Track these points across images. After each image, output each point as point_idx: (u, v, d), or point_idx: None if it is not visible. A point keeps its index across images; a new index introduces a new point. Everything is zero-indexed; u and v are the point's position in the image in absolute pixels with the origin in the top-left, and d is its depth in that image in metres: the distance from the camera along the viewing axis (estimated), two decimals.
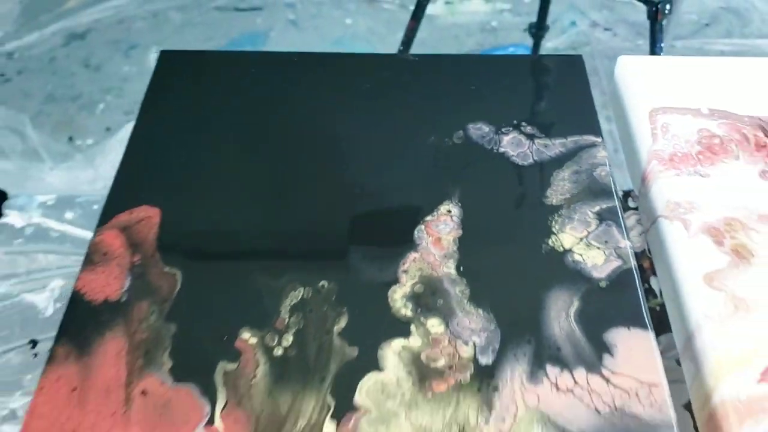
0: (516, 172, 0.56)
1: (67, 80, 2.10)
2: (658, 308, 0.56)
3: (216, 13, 2.36)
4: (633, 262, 0.50)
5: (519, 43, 2.05)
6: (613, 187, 0.54)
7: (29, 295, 0.70)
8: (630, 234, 0.56)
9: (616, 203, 0.53)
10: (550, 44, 2.10)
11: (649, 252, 0.56)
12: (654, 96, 0.61)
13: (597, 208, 0.53)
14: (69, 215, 0.77)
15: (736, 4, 2.32)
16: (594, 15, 2.29)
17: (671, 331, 0.50)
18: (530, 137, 0.58)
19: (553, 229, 0.52)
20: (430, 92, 0.62)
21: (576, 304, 0.47)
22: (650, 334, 0.46)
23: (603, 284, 0.49)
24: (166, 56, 0.64)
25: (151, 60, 2.21)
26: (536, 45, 1.63)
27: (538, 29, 1.57)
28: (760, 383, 0.44)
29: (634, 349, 0.45)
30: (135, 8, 2.36)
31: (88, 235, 0.73)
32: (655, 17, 1.16)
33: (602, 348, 0.45)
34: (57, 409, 0.42)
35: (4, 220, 0.74)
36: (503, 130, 0.59)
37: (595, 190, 0.54)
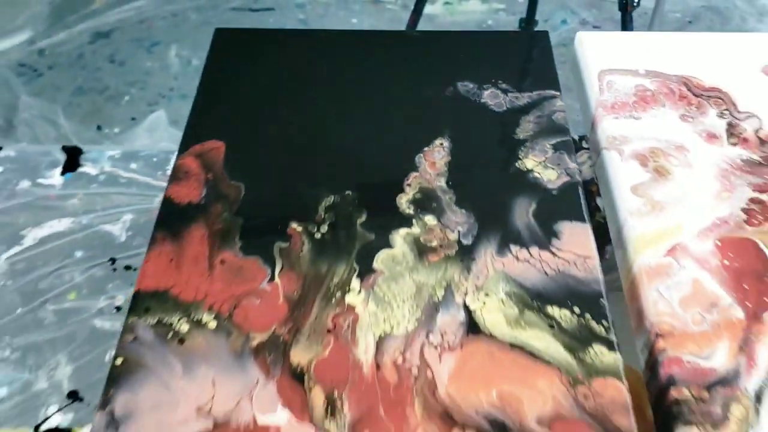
0: (493, 117, 0.74)
1: (94, 74, 2.28)
2: (602, 220, 0.74)
3: (231, 14, 2.53)
4: (578, 179, 0.67)
5: None
6: (565, 126, 0.72)
7: (106, 226, 0.88)
8: (582, 167, 0.74)
9: (569, 138, 0.71)
10: None
11: (596, 178, 0.73)
12: (602, 61, 0.79)
13: (554, 142, 0.71)
14: (133, 165, 0.95)
15: (717, 3, 2.49)
16: (584, 13, 2.46)
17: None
18: (505, 92, 0.76)
19: (520, 156, 0.70)
20: (429, 59, 0.80)
21: (533, 205, 0.65)
22: (587, 225, 0.63)
23: (555, 192, 0.66)
24: (220, 33, 0.82)
25: (171, 56, 2.39)
26: None
27: (527, 24, 1.75)
28: (665, 257, 0.61)
29: (575, 235, 0.63)
30: (155, 9, 2.54)
31: (150, 180, 0.90)
32: (625, 8, 1.34)
33: (552, 234, 0.63)
34: (159, 273, 0.60)
35: (81, 169, 0.92)
36: (484, 86, 0.77)
37: (553, 129, 0.72)
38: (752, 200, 0.65)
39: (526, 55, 0.81)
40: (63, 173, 0.98)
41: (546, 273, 0.60)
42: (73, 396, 0.77)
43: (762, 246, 0.61)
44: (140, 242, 0.90)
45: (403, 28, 2.33)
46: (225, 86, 0.76)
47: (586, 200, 0.67)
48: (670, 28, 2.33)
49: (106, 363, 0.80)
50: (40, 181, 0.98)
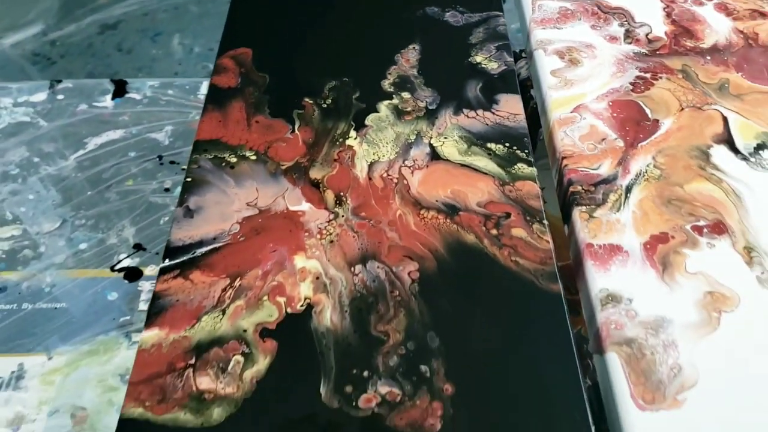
0: (452, 29, 0.99)
1: (104, 61, 2.51)
2: (535, 107, 0.99)
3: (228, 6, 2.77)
4: (513, 67, 0.93)
5: None
6: (505, 34, 0.97)
7: (152, 134, 1.12)
8: (522, 69, 1.00)
9: (507, 42, 0.97)
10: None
11: (530, 75, 0.99)
12: None
13: (497, 44, 0.97)
14: (170, 92, 1.20)
15: None
16: None
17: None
18: (462, 13, 1.02)
19: (472, 54, 0.95)
20: None
21: (480, 84, 0.91)
22: (517, 96, 0.89)
23: (496, 76, 0.92)
24: None
25: (174, 44, 2.62)
26: None
27: None
28: (571, 113, 0.87)
29: (509, 102, 0.88)
30: (158, 2, 2.77)
31: (184, 101, 1.15)
32: None
33: (493, 101, 0.88)
34: (211, 129, 0.85)
35: (128, 95, 1.17)
36: (446, 9, 1.02)
37: (497, 36, 0.98)
38: (638, 77, 0.91)
39: None
40: (113, 98, 1.23)
41: (487, 124, 0.85)
42: (138, 247, 1.01)
43: (641, 104, 0.87)
44: (181, 144, 1.15)
45: None
46: (245, 16, 1.01)
47: (523, 92, 0.92)
48: None
49: (161, 225, 1.04)
50: (95, 104, 1.23)
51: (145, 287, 0.96)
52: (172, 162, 1.11)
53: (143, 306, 0.94)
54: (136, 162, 1.13)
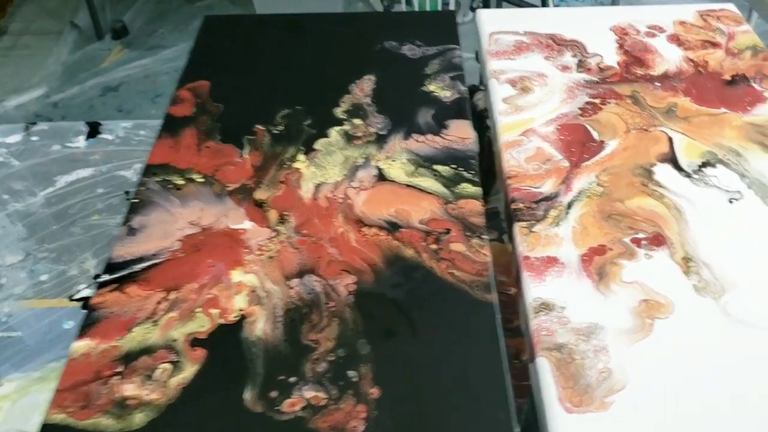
0: (409, 61, 1.01)
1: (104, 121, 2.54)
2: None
3: None
4: (466, 95, 0.95)
5: None
6: (460, 66, 1.00)
7: (121, 171, 1.14)
8: (479, 101, 1.02)
9: (461, 72, 0.99)
10: None
11: (486, 104, 1.01)
12: (493, 26, 1.08)
13: (451, 75, 0.99)
14: (142, 132, 1.22)
15: None
16: None
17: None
18: (419, 46, 1.04)
19: (426, 83, 0.97)
20: (370, 29, 1.09)
21: (433, 111, 0.92)
22: (468, 121, 0.90)
23: (448, 103, 0.94)
24: (208, 20, 1.11)
25: None
26: None
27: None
28: (519, 136, 0.88)
29: (459, 127, 0.90)
30: (159, 65, 2.84)
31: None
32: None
33: (443, 127, 0.90)
34: (162, 154, 0.86)
35: (101, 136, 1.20)
36: (404, 43, 1.05)
37: (452, 67, 1.00)
38: (587, 103, 0.92)
39: (437, 26, 1.09)
40: (87, 138, 1.26)
41: (436, 148, 0.86)
42: (98, 277, 1.02)
43: (588, 127, 0.88)
44: None
45: None
46: (208, 50, 1.04)
47: (481, 123, 0.94)
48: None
49: None
50: (68, 144, 1.25)
51: None
52: None
53: None
54: (103, 198, 1.14)
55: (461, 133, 0.88)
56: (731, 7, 1.10)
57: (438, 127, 0.89)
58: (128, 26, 2.91)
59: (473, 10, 1.85)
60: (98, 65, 2.85)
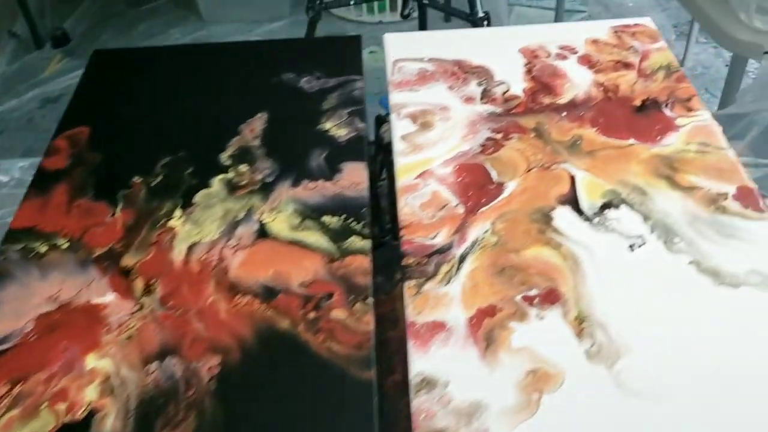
0: (305, 96, 0.95)
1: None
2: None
3: None
4: (363, 134, 0.88)
5: None
6: (361, 99, 0.93)
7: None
8: (386, 133, 0.96)
9: (362, 107, 0.93)
10: None
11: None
12: (399, 53, 1.02)
13: (349, 110, 0.92)
14: None
15: None
16: None
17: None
18: (318, 78, 0.98)
19: (321, 121, 0.91)
20: (266, 59, 1.02)
21: (326, 152, 0.86)
22: (363, 163, 0.84)
23: (343, 144, 0.87)
24: (98, 55, 1.04)
25: None
26: None
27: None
28: (416, 179, 0.82)
29: (353, 170, 0.83)
30: None
31: None
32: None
33: (336, 171, 0.83)
34: (28, 216, 0.79)
35: None
36: (302, 75, 0.98)
37: (351, 101, 0.94)
38: (488, 138, 0.86)
39: (341, 53, 1.03)
40: None
41: (326, 195, 0.80)
42: None
43: (488, 167, 0.82)
44: None
45: None
46: (94, 90, 0.97)
47: (386, 157, 0.88)
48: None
49: None
50: None
51: None
52: None
53: None
54: None
55: (355, 178, 0.82)
56: (648, 21, 1.05)
57: (330, 171, 0.83)
58: (69, 33, 2.78)
59: (404, 17, 1.79)
60: (38, 75, 2.73)
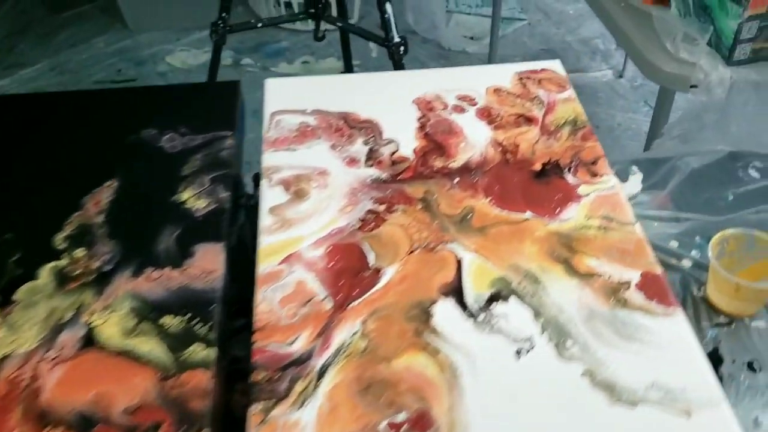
0: (165, 158, 0.83)
1: None
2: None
3: (94, 87, 2.57)
4: (225, 206, 0.76)
5: None
6: (229, 161, 0.81)
7: None
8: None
9: (228, 171, 0.81)
10: None
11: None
12: (279, 103, 0.90)
13: (213, 175, 0.80)
14: None
15: (554, 45, 2.69)
16: (432, 64, 2.61)
17: None
18: (182, 135, 0.85)
19: (179, 190, 0.78)
20: (126, 111, 0.89)
21: (178, 231, 0.74)
22: (220, 244, 0.72)
23: (200, 219, 0.75)
24: None
25: None
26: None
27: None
28: (279, 264, 0.70)
29: (207, 254, 0.72)
30: (16, 87, 2.55)
31: None
32: (391, 57, 1.48)
33: (187, 255, 0.71)
34: None
35: None
36: (165, 132, 0.86)
37: (217, 164, 0.82)
38: (369, 211, 0.75)
39: (213, 103, 0.91)
40: None
41: (170, 288, 0.68)
42: None
43: (366, 247, 0.71)
44: None
45: (263, 89, 2.42)
46: None
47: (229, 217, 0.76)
48: None
49: None
50: None
51: None
52: None
53: None
54: None
55: (208, 264, 0.70)
56: (556, 66, 0.95)
57: (181, 255, 0.71)
58: None
59: (318, 39, 1.67)
60: None
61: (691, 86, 1.23)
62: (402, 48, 1.51)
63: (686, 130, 1.35)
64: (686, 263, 0.90)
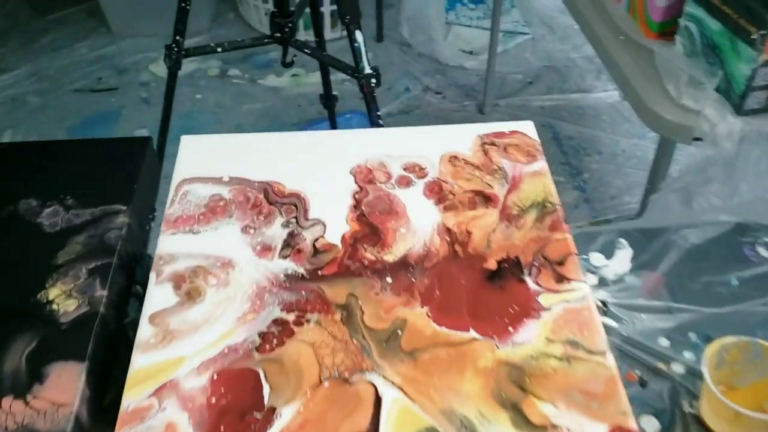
0: (41, 240, 0.67)
1: None
2: None
3: (73, 95, 2.44)
4: (99, 309, 0.61)
5: (356, 110, 2.18)
6: (115, 247, 0.66)
7: None
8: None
9: (112, 259, 0.65)
10: (385, 109, 2.21)
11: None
12: (192, 167, 0.74)
13: (93, 265, 0.65)
14: None
15: (557, 63, 2.53)
16: (426, 80, 2.46)
17: None
18: (68, 208, 0.70)
19: (47, 285, 0.63)
20: (10, 172, 0.74)
21: (33, 345, 0.59)
22: (82, 365, 0.57)
23: (64, 327, 0.60)
24: None
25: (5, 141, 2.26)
26: (330, 113, 1.77)
27: (327, 99, 1.72)
28: (150, 397, 0.55)
29: (63, 379, 0.56)
30: None
31: None
32: (362, 89, 1.32)
33: (37, 379, 0.56)
34: None
35: None
36: (48, 203, 0.71)
37: (99, 250, 0.66)
38: (275, 321, 0.60)
39: (112, 165, 0.75)
40: None
41: (8, 428, 0.53)
42: None
43: (261, 376, 0.56)
44: None
45: (249, 102, 2.28)
46: None
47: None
48: (509, 90, 2.34)
49: None
50: None
51: None
52: None
53: None
54: None
55: (60, 393, 0.55)
56: (528, 128, 0.79)
57: (30, 379, 0.56)
58: None
59: (286, 66, 1.52)
60: None
61: (695, 139, 1.06)
62: (374, 80, 1.35)
63: (689, 183, 1.19)
64: (677, 369, 0.74)
